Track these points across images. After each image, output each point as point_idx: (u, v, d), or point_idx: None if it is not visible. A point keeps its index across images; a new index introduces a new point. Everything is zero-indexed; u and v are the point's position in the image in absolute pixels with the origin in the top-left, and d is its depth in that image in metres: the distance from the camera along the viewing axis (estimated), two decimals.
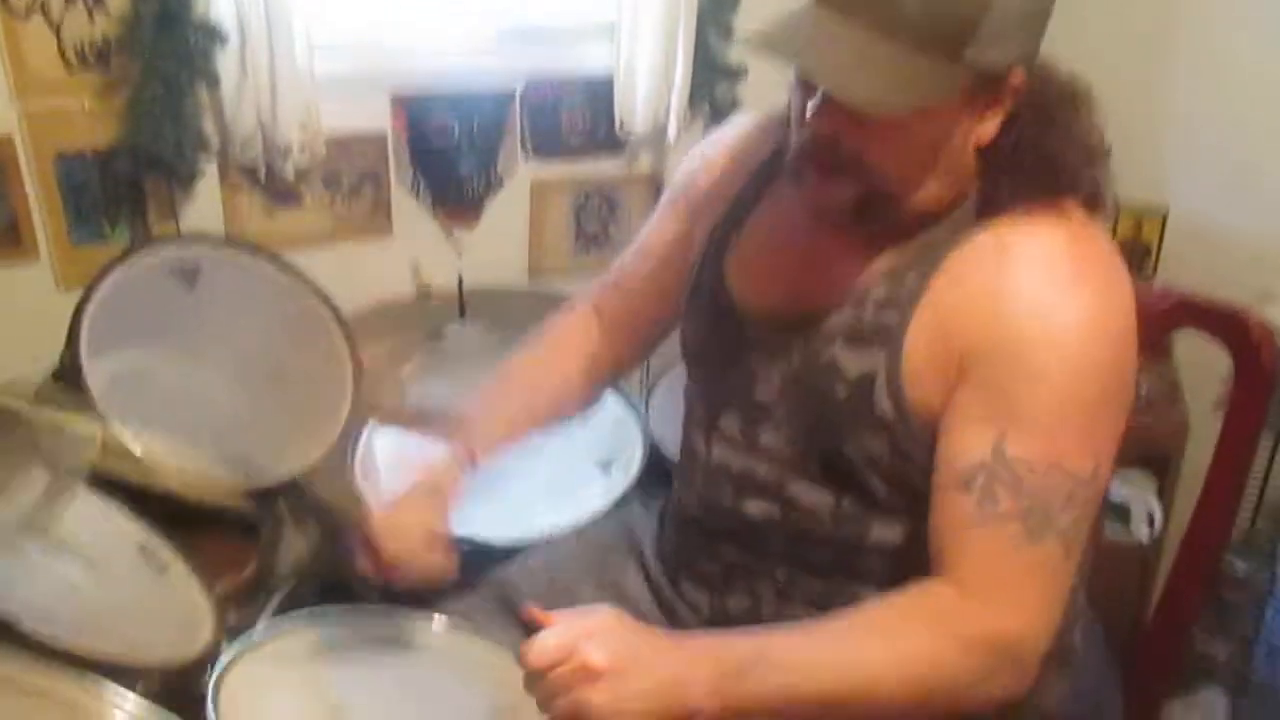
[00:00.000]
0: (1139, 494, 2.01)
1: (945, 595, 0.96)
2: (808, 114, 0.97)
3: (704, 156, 1.25)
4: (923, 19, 0.88)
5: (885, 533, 1.08)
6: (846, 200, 1.00)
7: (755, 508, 1.12)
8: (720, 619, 1.18)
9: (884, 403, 1.01)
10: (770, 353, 1.10)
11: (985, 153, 1.00)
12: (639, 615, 1.24)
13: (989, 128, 0.98)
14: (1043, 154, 1.00)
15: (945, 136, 0.96)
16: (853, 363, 1.03)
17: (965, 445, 0.96)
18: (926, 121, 0.94)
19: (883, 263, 1.04)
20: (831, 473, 1.07)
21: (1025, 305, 0.95)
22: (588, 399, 1.38)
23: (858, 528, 1.08)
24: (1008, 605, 0.94)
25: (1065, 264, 0.97)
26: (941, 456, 0.98)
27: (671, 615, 1.23)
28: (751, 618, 1.15)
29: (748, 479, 1.12)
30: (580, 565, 1.32)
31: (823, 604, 1.11)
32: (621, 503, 1.53)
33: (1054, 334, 0.94)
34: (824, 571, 1.11)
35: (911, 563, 1.08)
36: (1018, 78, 0.96)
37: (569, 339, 1.34)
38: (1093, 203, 1.04)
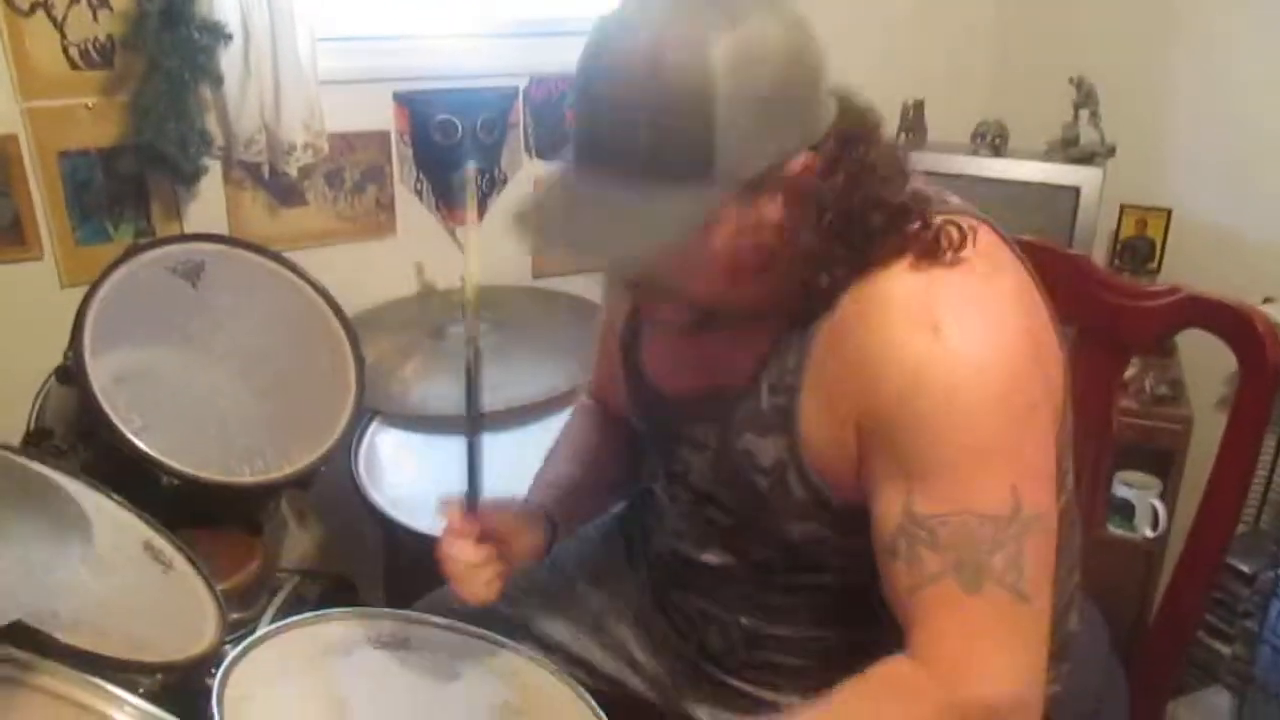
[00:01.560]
0: (1143, 492, 2.01)
1: (907, 669, 0.92)
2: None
3: None
4: (657, 154, 0.87)
5: (839, 579, 1.08)
6: (678, 320, 1.02)
7: (713, 557, 1.14)
8: (702, 653, 1.19)
9: (797, 489, 1.01)
10: (694, 442, 1.11)
11: (811, 229, 0.96)
12: (642, 619, 1.27)
13: (794, 215, 0.94)
14: (859, 212, 0.95)
15: (738, 246, 0.93)
16: (764, 452, 1.03)
17: (882, 512, 0.94)
18: (708, 244, 0.92)
19: (766, 346, 1.03)
20: (778, 540, 1.08)
21: (894, 363, 0.92)
22: (632, 473, 1.37)
23: (812, 577, 1.09)
24: (967, 667, 0.90)
25: (926, 312, 0.93)
26: (872, 528, 0.96)
27: (662, 641, 1.24)
28: (729, 658, 1.16)
29: (704, 534, 1.14)
30: (589, 561, 1.33)
31: (793, 646, 1.13)
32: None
33: (926, 385, 0.91)
34: (786, 616, 1.12)
35: (872, 601, 1.06)
36: (799, 163, 0.92)
37: (594, 426, 1.35)
38: (949, 248, 0.97)
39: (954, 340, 0.92)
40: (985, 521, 0.90)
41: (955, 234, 0.96)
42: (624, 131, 0.88)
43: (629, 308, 1.19)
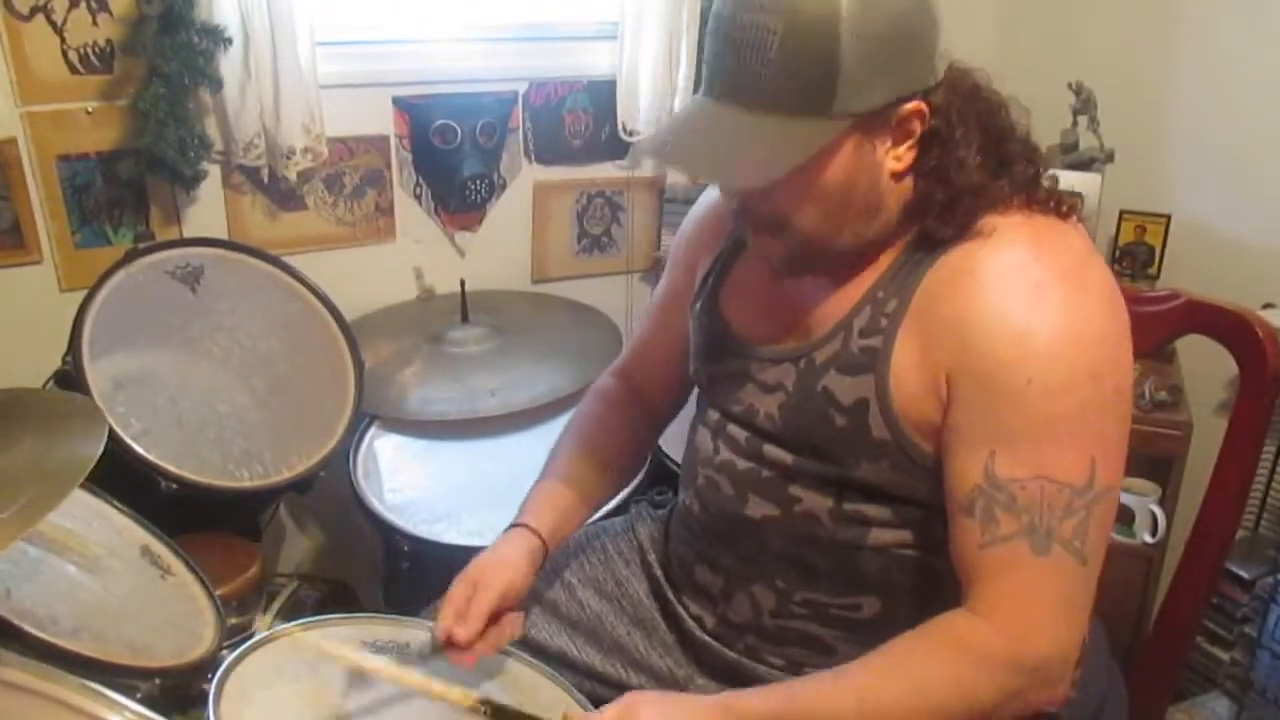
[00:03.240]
0: (1142, 498, 2.01)
1: (966, 623, 0.97)
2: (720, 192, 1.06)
3: (698, 207, 1.30)
4: (780, 87, 0.93)
5: (884, 536, 1.09)
6: (782, 254, 1.06)
7: (756, 508, 1.13)
8: (724, 631, 1.19)
9: (879, 428, 1.03)
10: (766, 385, 1.13)
11: (917, 177, 1.02)
12: (644, 621, 1.27)
13: (901, 159, 1.00)
14: (971, 167, 1.00)
15: (850, 182, 0.99)
16: (846, 390, 1.05)
17: (962, 470, 0.98)
18: (822, 175, 0.97)
19: (863, 291, 1.06)
20: (834, 482, 1.09)
21: (994, 327, 0.96)
22: (639, 460, 1.44)
23: (857, 531, 1.09)
24: (1028, 624, 0.95)
25: (1030, 279, 0.97)
26: (946, 482, 1.00)
27: (675, 624, 1.24)
28: (754, 629, 1.16)
29: (751, 479, 1.14)
30: (587, 565, 1.33)
31: (823, 613, 1.13)
32: (627, 504, 1.53)
33: (1024, 351, 0.94)
34: (823, 578, 1.12)
35: (909, 570, 1.09)
36: (912, 108, 0.97)
37: (607, 413, 1.37)
38: (1059, 207, 1.04)
39: (1057, 313, 0.96)
40: (1062, 489, 0.95)
41: (1066, 196, 1.03)
42: (753, 61, 0.93)
43: (722, 250, 1.22)
